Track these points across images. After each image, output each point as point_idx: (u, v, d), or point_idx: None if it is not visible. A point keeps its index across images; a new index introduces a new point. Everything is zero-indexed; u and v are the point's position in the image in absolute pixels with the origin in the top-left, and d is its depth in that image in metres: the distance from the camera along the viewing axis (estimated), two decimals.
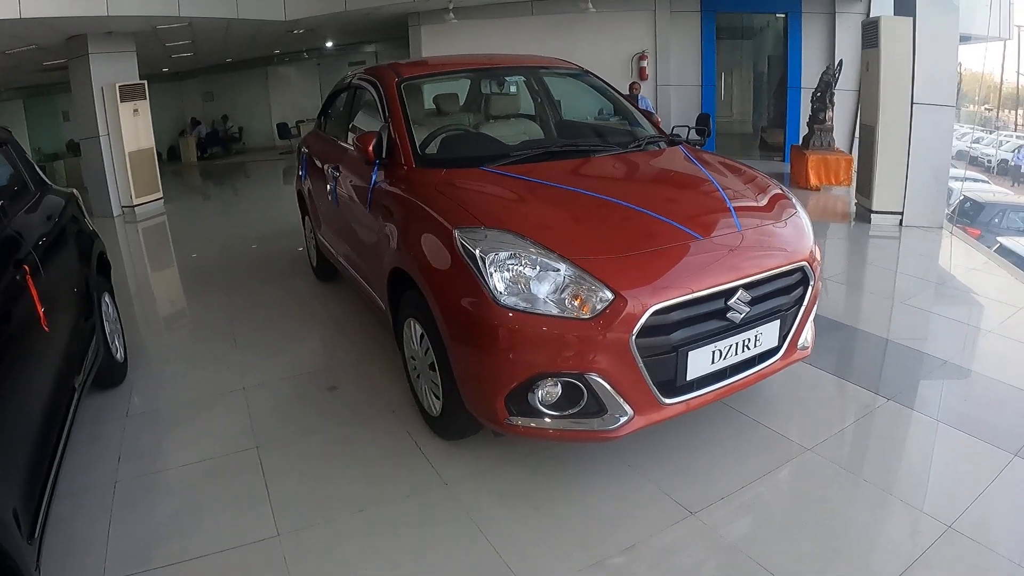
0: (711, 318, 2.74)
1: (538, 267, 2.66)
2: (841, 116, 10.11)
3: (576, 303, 2.59)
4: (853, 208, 7.81)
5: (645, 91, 11.88)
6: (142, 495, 3.10)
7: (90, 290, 3.91)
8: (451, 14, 11.88)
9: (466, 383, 2.91)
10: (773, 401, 3.49)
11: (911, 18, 6.80)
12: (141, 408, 3.96)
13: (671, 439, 3.16)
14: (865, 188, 7.36)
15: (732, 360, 2.83)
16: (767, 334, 2.91)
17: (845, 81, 9.76)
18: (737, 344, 2.81)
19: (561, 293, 2.61)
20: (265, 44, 16.88)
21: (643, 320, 2.55)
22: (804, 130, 9.89)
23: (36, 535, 2.25)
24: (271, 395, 3.99)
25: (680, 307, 2.64)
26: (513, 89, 4.97)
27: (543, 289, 2.63)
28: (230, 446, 3.44)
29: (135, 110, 11.13)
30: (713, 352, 2.74)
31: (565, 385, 2.66)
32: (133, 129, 11.08)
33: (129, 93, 10.94)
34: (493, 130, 4.33)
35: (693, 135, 10.76)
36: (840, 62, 9.56)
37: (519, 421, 2.74)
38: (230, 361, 4.55)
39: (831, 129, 9.46)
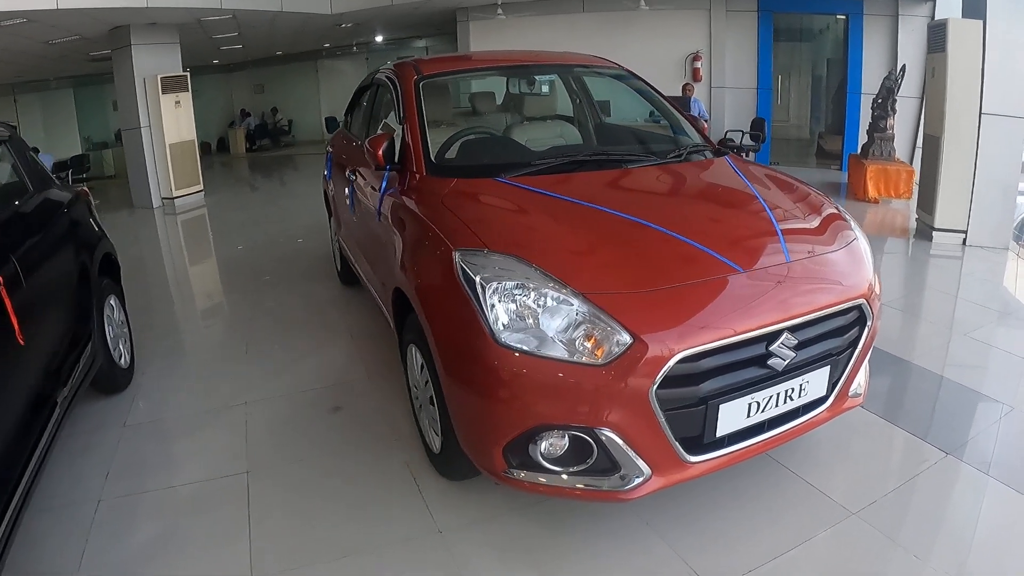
0: (749, 366, 2.36)
1: (546, 301, 2.31)
2: (903, 125, 9.55)
3: (589, 346, 2.24)
4: (913, 224, 7.30)
5: (698, 93, 11.46)
6: (124, 517, 2.93)
7: (89, 295, 3.75)
8: (500, 10, 11.63)
9: (461, 427, 2.60)
10: (815, 450, 3.09)
11: (981, 21, 6.27)
12: (139, 418, 3.79)
13: (696, 492, 2.80)
14: (927, 203, 6.86)
15: (771, 413, 2.45)
16: (814, 382, 2.53)
17: (908, 87, 9.22)
18: (779, 395, 2.43)
19: (571, 333, 2.26)
20: (313, 37, 16.83)
21: (666, 369, 2.18)
22: (864, 138, 9.36)
23: None
24: (272, 413, 3.75)
25: (711, 354, 2.27)
26: (545, 89, 4.59)
27: (550, 328, 2.28)
28: (220, 469, 3.22)
29: (177, 102, 11.13)
30: (750, 405, 2.37)
31: (572, 438, 2.33)
32: (174, 121, 11.07)
33: (171, 85, 10.93)
34: (524, 134, 4.00)
35: (747, 140, 10.50)
36: (903, 67, 9.00)
37: (520, 474, 2.40)
38: (238, 372, 4.34)
39: (892, 138, 8.92)
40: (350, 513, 2.86)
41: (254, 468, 3.22)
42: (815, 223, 2.91)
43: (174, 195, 10.93)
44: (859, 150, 9.42)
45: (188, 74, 11.34)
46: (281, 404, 3.85)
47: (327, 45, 19.80)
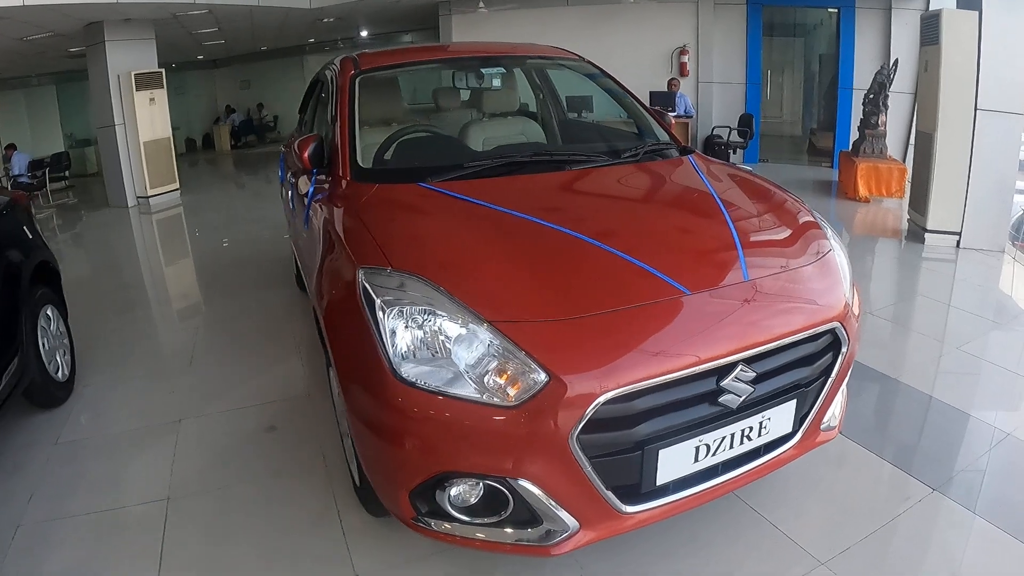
0: (695, 404, 2.03)
1: (453, 331, 2.00)
2: (895, 121, 9.23)
3: (500, 383, 1.92)
4: (905, 225, 7.00)
5: (685, 88, 11.15)
6: (39, 544, 2.74)
7: (17, 308, 3.52)
8: (482, 3, 11.32)
9: (367, 467, 2.31)
10: (783, 485, 2.77)
11: (976, 12, 5.96)
12: (73, 436, 3.57)
13: (643, 535, 2.47)
14: (919, 203, 6.56)
15: (726, 455, 2.13)
16: (778, 419, 2.20)
17: (901, 83, 8.89)
18: (733, 436, 2.11)
19: (480, 369, 1.95)
20: (297, 33, 16.53)
21: (590, 412, 1.87)
22: (855, 135, 9.05)
23: None
24: (205, 432, 3.50)
25: (647, 392, 1.94)
26: (497, 83, 4.21)
27: (458, 361, 1.97)
28: (143, 494, 3.01)
29: (151, 99, 10.85)
30: (697, 448, 2.05)
31: (486, 487, 2.02)
32: (149, 118, 10.79)
33: (145, 81, 10.66)
34: (482, 132, 3.67)
35: (735, 136, 10.19)
36: (895, 61, 8.68)
37: (430, 523, 2.10)
38: (180, 385, 4.08)
39: (884, 135, 8.59)
40: (266, 542, 2.63)
41: (176, 494, 2.98)
42: (784, 234, 2.59)
43: (149, 194, 10.67)
44: (850, 147, 9.11)
45: (163, 71, 11.05)
46: (216, 422, 3.59)
47: (312, 40, 19.46)
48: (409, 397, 1.97)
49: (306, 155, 3.00)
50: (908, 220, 6.90)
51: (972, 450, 3.05)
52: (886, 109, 8.58)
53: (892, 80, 8.62)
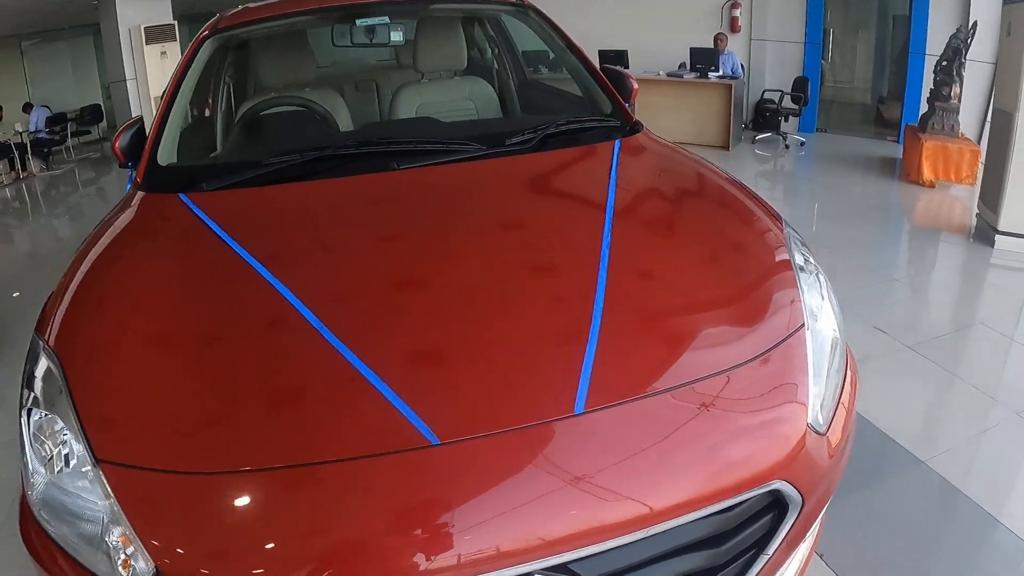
0: None
1: (69, 464, 1.29)
2: (972, 94, 7.95)
3: (126, 556, 1.18)
4: (973, 220, 5.91)
5: (735, 45, 10.07)
6: None
7: None
8: None
9: None
10: None
11: None
12: None
13: None
14: (991, 196, 5.49)
15: None
16: None
17: (981, 49, 7.64)
18: None
19: (101, 540, 1.21)
20: None
21: None
22: (925, 108, 7.86)
23: None
24: None
25: None
26: (397, 36, 3.25)
27: (79, 522, 1.25)
28: None
29: (163, 52, 10.39)
30: None
31: None
32: (160, 73, 10.29)
33: (155, 35, 10.29)
34: (411, 100, 2.94)
35: (788, 102, 9.08)
36: (974, 24, 7.42)
37: None
38: None
39: (956, 109, 7.39)
40: None
41: None
42: (715, 306, 1.62)
43: None
44: (918, 121, 7.96)
45: (176, 24, 10.60)
46: None
47: None
48: (42, 547, 1.29)
49: (117, 144, 2.29)
50: (976, 215, 5.82)
51: None
52: (960, 80, 7.36)
53: (969, 45, 7.39)
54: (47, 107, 13.39)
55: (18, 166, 11.61)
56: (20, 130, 11.86)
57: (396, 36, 2.98)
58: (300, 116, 2.70)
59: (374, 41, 3.00)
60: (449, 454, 1.24)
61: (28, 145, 11.83)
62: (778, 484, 1.36)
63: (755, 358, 1.49)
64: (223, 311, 1.56)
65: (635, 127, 2.42)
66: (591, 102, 2.66)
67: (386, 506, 1.20)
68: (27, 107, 13.36)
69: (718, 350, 1.52)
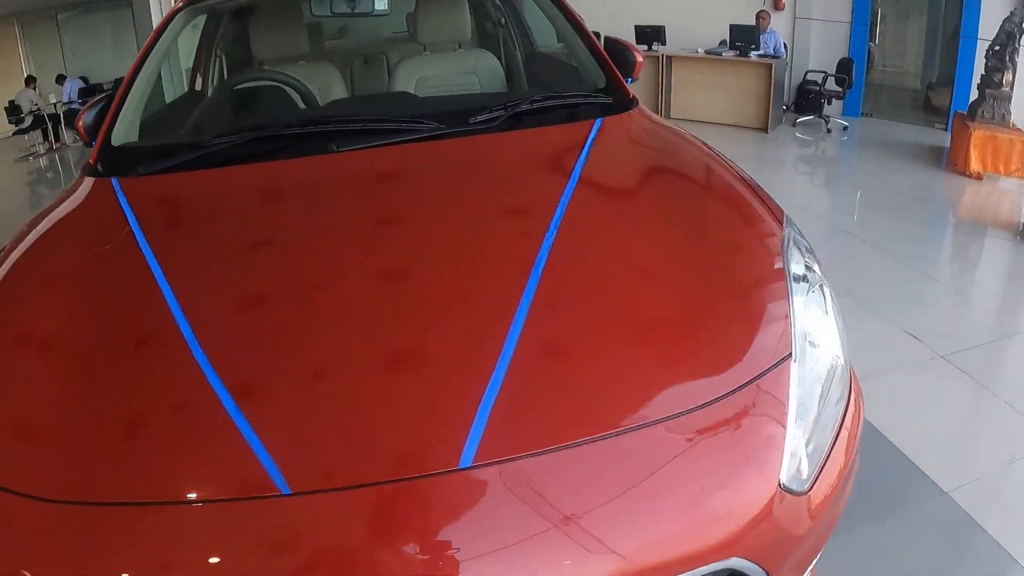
0: None
1: None
2: None
3: None
4: (1022, 216, 5.53)
5: (779, 24, 9.73)
6: None
7: None
8: None
9: None
10: None
11: None
12: None
13: None
14: None
15: None
16: None
17: None
18: None
19: None
20: None
21: None
22: (975, 94, 7.46)
23: None
24: None
25: None
26: (381, 5, 3.04)
27: None
28: None
29: (193, 25, 10.30)
30: None
31: None
32: (190, 46, 10.24)
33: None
34: (412, 72, 2.72)
35: (831, 85, 8.70)
36: None
37: None
38: None
39: (1008, 97, 6.99)
40: None
41: None
42: (687, 312, 1.37)
43: None
44: (967, 109, 7.55)
45: None
46: None
47: None
48: None
49: (81, 123, 2.14)
50: None
51: None
52: (1013, 66, 6.97)
53: None
54: (82, 79, 13.54)
55: (51, 137, 11.77)
56: (53, 101, 11.99)
57: (380, 5, 2.81)
58: (272, 93, 2.50)
59: (356, 10, 2.84)
60: (298, 506, 1.05)
61: (61, 116, 11.96)
62: (734, 562, 1.11)
63: (716, 400, 1.21)
64: (102, 322, 1.40)
65: (627, 105, 2.17)
66: (586, 76, 2.42)
67: (220, 556, 1.04)
68: (60, 78, 13.54)
69: (668, 390, 1.24)
